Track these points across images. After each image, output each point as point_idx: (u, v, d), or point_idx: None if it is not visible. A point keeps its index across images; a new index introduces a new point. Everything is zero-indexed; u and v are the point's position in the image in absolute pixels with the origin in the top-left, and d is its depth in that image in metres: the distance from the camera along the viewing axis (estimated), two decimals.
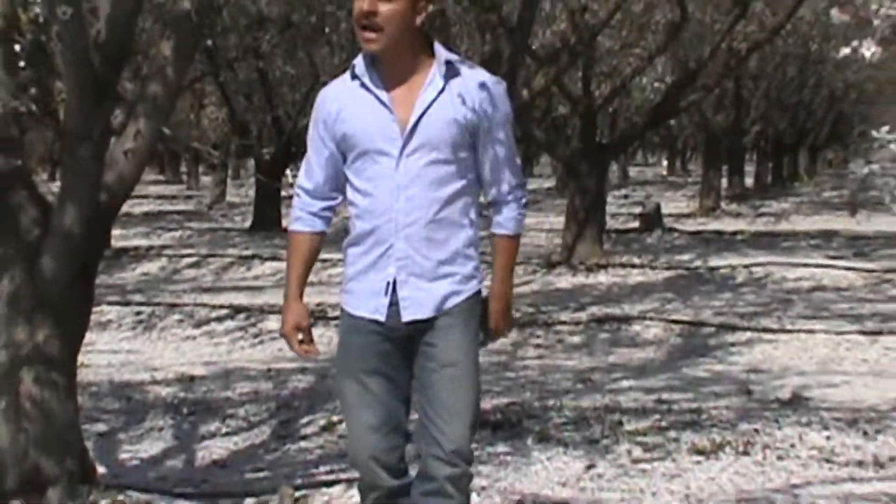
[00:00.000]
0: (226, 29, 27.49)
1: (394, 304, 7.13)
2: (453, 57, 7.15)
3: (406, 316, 7.12)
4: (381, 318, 7.14)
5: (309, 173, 7.31)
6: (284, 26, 29.09)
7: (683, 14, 27.39)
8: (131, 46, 10.21)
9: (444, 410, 7.11)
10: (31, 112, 10.07)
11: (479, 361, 7.35)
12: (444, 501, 7.15)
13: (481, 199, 7.31)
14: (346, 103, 7.14)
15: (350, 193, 7.23)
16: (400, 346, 7.23)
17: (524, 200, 7.34)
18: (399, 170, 7.02)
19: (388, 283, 7.12)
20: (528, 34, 22.21)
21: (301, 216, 7.35)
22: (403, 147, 7.00)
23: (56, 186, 10.29)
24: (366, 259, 7.19)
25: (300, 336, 7.30)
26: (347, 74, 7.22)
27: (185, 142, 48.42)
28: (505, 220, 7.23)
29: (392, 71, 7.09)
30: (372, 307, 7.17)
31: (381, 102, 7.05)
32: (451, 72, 7.04)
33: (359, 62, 7.16)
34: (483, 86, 7.08)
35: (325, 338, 18.01)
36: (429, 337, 7.17)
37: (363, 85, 7.10)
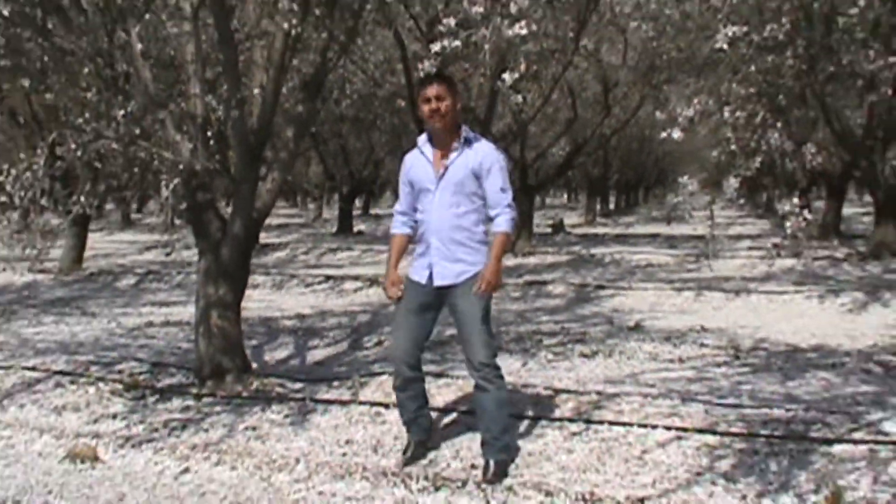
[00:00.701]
0: (322, 122, 27.43)
1: (431, 276, 7.50)
2: (470, 134, 7.56)
3: (437, 282, 7.47)
4: (423, 281, 7.52)
5: (400, 203, 7.81)
6: (355, 120, 29.06)
7: (575, 114, 27.46)
8: (270, 131, 10.24)
9: (467, 340, 7.46)
10: (216, 168, 10.11)
11: (490, 311, 7.50)
12: (484, 392, 7.50)
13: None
14: (413, 163, 7.64)
15: (419, 217, 7.65)
16: (430, 298, 7.54)
17: (513, 213, 7.47)
18: (435, 199, 7.43)
19: (429, 263, 7.50)
20: (490, 123, 22.20)
21: (397, 224, 7.84)
22: (437, 187, 7.42)
23: (230, 209, 10.31)
24: (419, 249, 7.60)
25: (395, 289, 7.65)
26: (416, 147, 7.69)
27: (299, 184, 48.21)
28: (500, 223, 7.41)
29: (437, 143, 7.54)
30: (420, 275, 7.55)
31: (429, 161, 7.51)
32: (467, 143, 7.48)
33: (421, 140, 7.68)
34: (484, 149, 7.49)
35: (377, 296, 18.07)
36: (452, 298, 7.48)
37: (422, 152, 7.58)
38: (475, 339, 7.41)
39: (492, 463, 7.47)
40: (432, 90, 7.44)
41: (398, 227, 7.83)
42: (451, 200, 7.43)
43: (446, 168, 7.45)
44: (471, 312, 7.41)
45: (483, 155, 7.46)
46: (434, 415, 8.83)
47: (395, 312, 7.92)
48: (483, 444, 7.59)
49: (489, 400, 7.47)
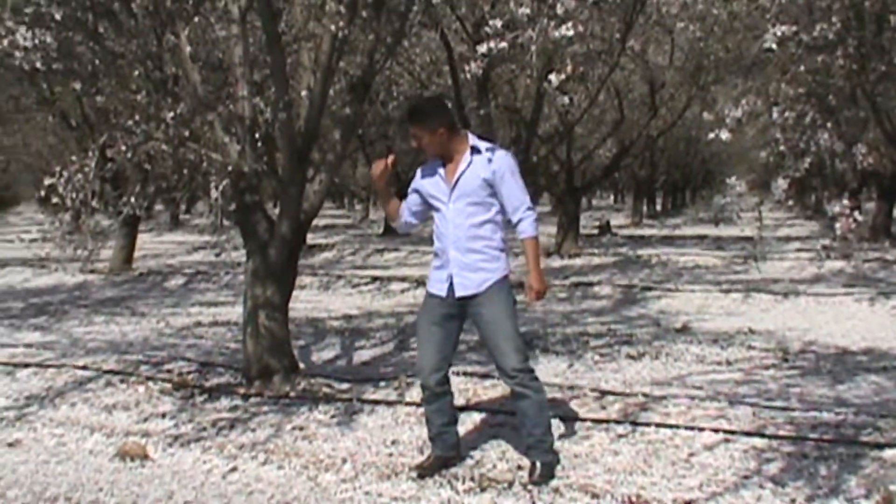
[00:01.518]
0: (369, 124, 27.47)
1: (451, 287, 7.44)
2: (478, 143, 7.52)
3: (458, 293, 7.41)
4: (443, 294, 7.46)
5: (406, 200, 7.87)
6: (401, 122, 29.01)
7: (622, 115, 27.38)
8: (317, 133, 10.26)
9: (496, 348, 7.38)
10: (264, 170, 10.14)
11: (517, 314, 7.46)
12: (522, 399, 7.45)
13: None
14: (425, 176, 7.66)
15: (433, 226, 7.63)
16: (453, 310, 7.48)
17: (535, 215, 7.44)
18: (448, 211, 7.43)
19: (449, 275, 7.44)
20: (536, 126, 22.18)
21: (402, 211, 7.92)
22: (449, 198, 7.42)
23: (277, 210, 10.35)
24: (437, 261, 7.59)
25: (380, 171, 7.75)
26: (429, 161, 7.70)
27: (346, 186, 48.29)
28: (525, 229, 7.37)
29: (448, 157, 7.52)
30: (439, 288, 7.52)
31: (439, 175, 7.51)
32: (474, 152, 7.44)
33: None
34: (494, 157, 7.43)
35: (422, 298, 18.06)
36: (475, 308, 7.41)
37: (433, 166, 7.59)
38: (505, 345, 7.35)
39: (538, 464, 7.44)
40: (410, 129, 7.61)
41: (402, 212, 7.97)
42: (465, 211, 7.39)
43: (457, 180, 7.42)
44: (497, 319, 7.36)
45: (494, 162, 7.40)
46: (480, 415, 8.85)
47: (416, 326, 7.91)
48: (528, 447, 7.55)
49: (529, 405, 7.43)
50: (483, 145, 7.51)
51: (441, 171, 7.52)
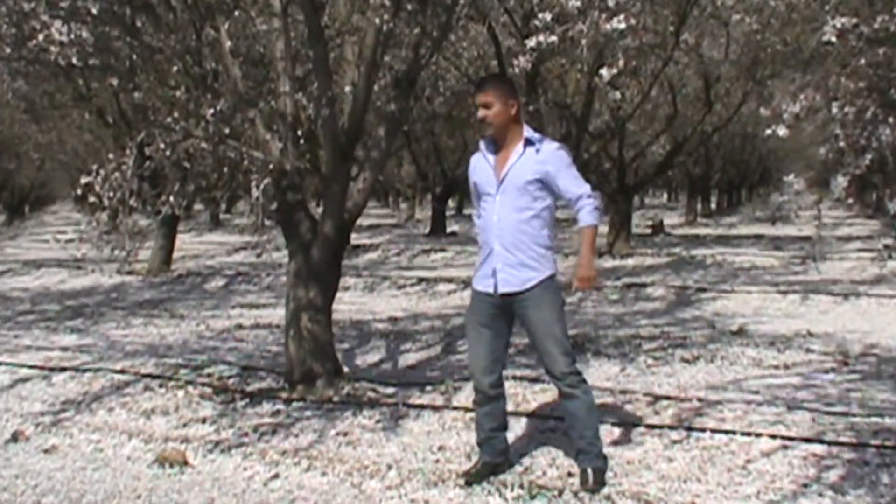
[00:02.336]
0: (414, 119, 27.49)
1: (496, 284, 7.42)
2: (533, 135, 7.51)
3: (501, 290, 7.40)
4: (491, 291, 7.44)
5: (474, 203, 7.80)
6: (448, 118, 29.08)
7: (675, 110, 27.31)
8: (361, 130, 10.28)
9: (544, 350, 7.40)
10: (306, 168, 10.18)
11: (564, 316, 7.45)
12: (571, 400, 7.45)
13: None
14: (476, 166, 7.64)
15: (476, 218, 7.72)
16: (500, 308, 7.46)
17: (595, 203, 7.42)
18: (496, 203, 7.41)
19: (493, 270, 7.41)
20: (587, 122, 22.14)
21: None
22: (497, 189, 7.40)
23: (320, 209, 10.37)
24: (481, 258, 7.58)
25: None
26: (479, 150, 7.68)
27: (391, 184, 48.46)
28: (585, 217, 7.37)
29: (500, 145, 7.51)
30: (485, 284, 7.50)
31: (489, 164, 7.50)
32: (528, 143, 7.43)
33: (482, 142, 7.69)
34: (547, 151, 7.44)
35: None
36: (521, 308, 7.41)
37: (484, 155, 7.56)
38: (553, 348, 7.35)
39: (589, 471, 7.41)
40: (480, 97, 7.51)
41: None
42: (513, 204, 7.39)
43: (508, 171, 7.41)
44: (544, 321, 7.36)
45: (547, 158, 7.41)
46: (530, 421, 8.85)
47: (465, 327, 7.91)
48: (578, 452, 7.52)
49: (578, 406, 7.42)
50: (537, 137, 7.51)
51: (491, 159, 7.53)
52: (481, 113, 7.48)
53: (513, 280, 7.38)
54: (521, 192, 7.37)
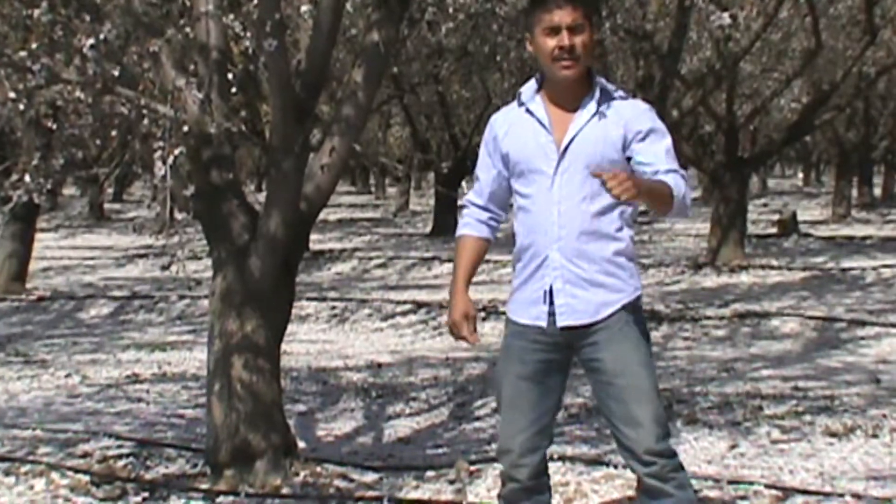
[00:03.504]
0: (409, 58, 27.57)
1: (552, 313, 7.03)
2: (609, 86, 7.15)
3: (561, 321, 6.99)
4: (543, 325, 7.04)
5: (478, 190, 7.36)
6: (461, 55, 29.09)
7: (818, 42, 27.24)
8: (327, 74, 10.32)
9: (624, 417, 7.00)
10: (241, 131, 10.22)
11: (654, 363, 7.34)
12: (658, 498, 7.08)
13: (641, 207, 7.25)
14: (512, 127, 7.17)
15: (515, 210, 7.23)
16: (557, 353, 7.14)
17: (685, 178, 6.98)
18: (554, 186, 6.97)
19: (545, 292, 7.02)
20: (677, 60, 22.21)
21: (469, 222, 7.35)
22: (558, 165, 6.97)
23: (262, 197, 10.42)
24: (525, 271, 7.13)
25: (466, 324, 7.18)
26: (515, 102, 7.24)
27: (373, 157, 48.63)
28: (667, 180, 6.82)
29: (556, 97, 7.09)
30: (533, 314, 7.08)
31: (542, 125, 7.04)
32: (604, 98, 7.03)
33: (526, 90, 7.22)
34: (631, 108, 7.10)
35: (497, 330, 18.10)
36: (593, 352, 7.03)
37: (528, 110, 7.12)
38: (639, 411, 7.02)
39: None
40: (563, 15, 6.98)
41: (471, 227, 7.45)
42: (582, 190, 6.98)
43: (573, 137, 7.06)
44: (627, 369, 7.03)
45: (631, 116, 7.06)
46: None
47: (495, 380, 7.86)
48: None
49: None
50: (613, 89, 7.22)
51: (542, 115, 7.15)
52: (566, 41, 6.97)
53: (581, 307, 7.03)
54: (596, 169, 6.89)
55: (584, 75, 7.05)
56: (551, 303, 6.98)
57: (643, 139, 6.95)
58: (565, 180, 6.94)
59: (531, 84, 7.20)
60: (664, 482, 7.01)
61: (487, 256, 7.63)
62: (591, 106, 6.99)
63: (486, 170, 7.29)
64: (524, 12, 7.54)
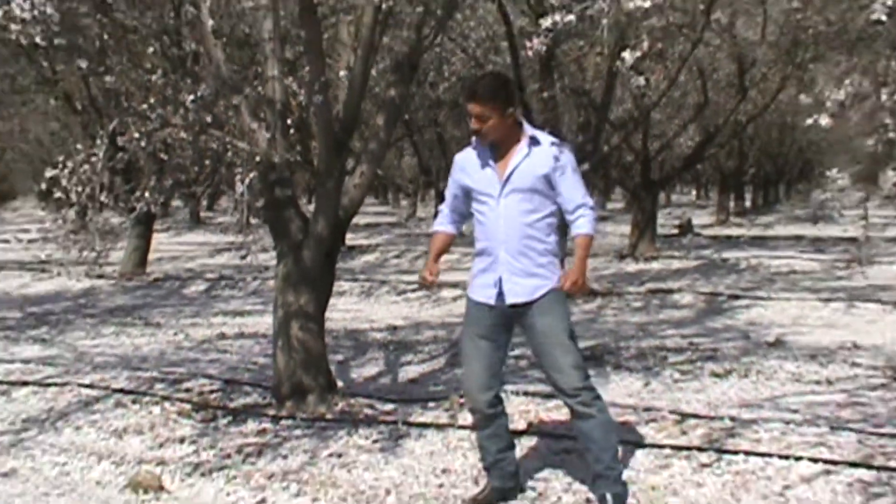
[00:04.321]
0: (416, 108, 27.51)
1: (500, 294, 7.41)
2: (535, 132, 7.56)
3: (509, 300, 7.39)
4: (492, 302, 7.45)
5: (447, 203, 7.82)
6: (453, 106, 29.01)
7: (706, 98, 27.28)
8: (358, 120, 10.28)
9: (553, 366, 7.38)
10: (296, 161, 10.19)
11: (573, 326, 7.45)
12: (584, 420, 7.40)
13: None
14: (468, 164, 7.61)
15: (475, 222, 7.63)
16: (501, 320, 7.50)
17: (593, 212, 7.52)
18: (499, 206, 7.41)
19: (496, 280, 7.41)
20: (607, 110, 22.13)
21: (441, 220, 7.87)
22: (501, 191, 7.39)
23: (311, 207, 10.38)
24: (482, 265, 7.56)
25: (431, 274, 7.63)
26: (470, 147, 7.65)
27: (390, 178, 48.48)
28: (581, 225, 7.44)
29: (496, 145, 7.46)
30: (486, 295, 7.48)
31: (489, 163, 7.47)
32: (533, 142, 7.43)
33: (476, 141, 7.59)
34: (553, 149, 7.45)
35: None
36: (528, 318, 7.42)
37: (480, 153, 7.52)
38: (564, 360, 7.33)
39: (608, 497, 7.42)
40: (472, 107, 7.43)
41: (442, 224, 7.88)
42: (519, 208, 7.38)
43: (511, 171, 7.40)
44: (554, 332, 7.37)
45: (552, 155, 7.42)
46: (543, 441, 8.84)
47: (461, 341, 7.93)
48: (595, 476, 7.51)
49: (594, 426, 7.39)
50: (542, 136, 7.57)
51: (490, 160, 7.49)
52: (475, 125, 7.43)
53: (521, 290, 7.39)
54: (528, 194, 7.39)
55: (516, 128, 7.51)
56: (500, 287, 7.38)
57: (563, 174, 7.39)
58: (507, 202, 7.42)
59: None
60: (588, 408, 7.34)
61: (463, 251, 7.79)
62: (524, 149, 7.44)
63: (452, 191, 7.79)
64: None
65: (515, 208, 7.38)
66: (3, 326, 17.33)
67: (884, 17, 8.45)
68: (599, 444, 7.41)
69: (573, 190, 7.42)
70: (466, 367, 7.68)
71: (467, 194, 7.62)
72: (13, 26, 9.08)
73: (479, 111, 7.35)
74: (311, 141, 10.45)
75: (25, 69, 22.58)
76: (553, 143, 7.51)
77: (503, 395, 7.83)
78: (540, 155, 7.42)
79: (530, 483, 7.99)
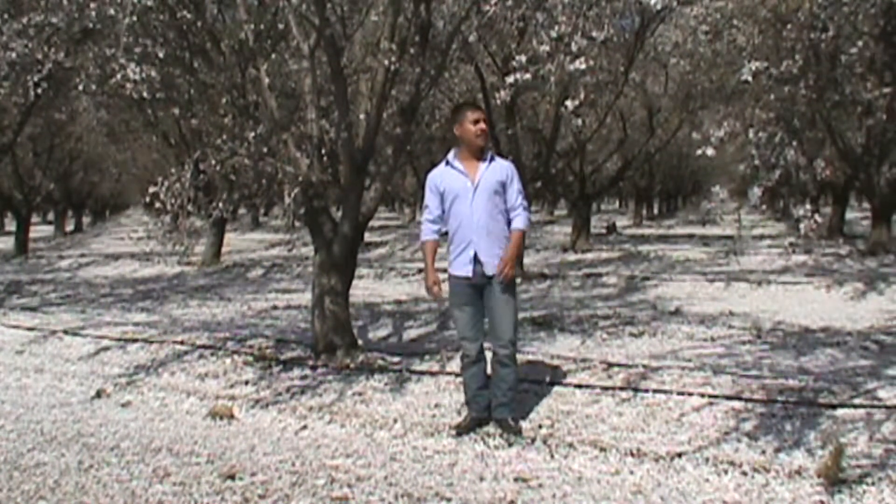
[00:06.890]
0: (416, 140, 27.43)
1: (475, 269, 7.54)
2: (495, 155, 7.78)
3: (488, 271, 7.50)
4: (470, 275, 7.57)
5: (430, 211, 7.78)
6: (443, 140, 28.86)
7: (625, 135, 27.28)
8: (373, 150, 10.27)
9: (501, 323, 7.56)
10: (329, 180, 10.17)
11: (519, 297, 7.50)
12: (508, 367, 7.61)
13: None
14: (444, 176, 7.69)
15: (449, 221, 7.69)
16: (477, 290, 7.61)
17: (528, 214, 7.69)
18: (472, 205, 7.52)
19: (471, 258, 7.53)
20: (554, 143, 22.10)
21: (427, 232, 7.86)
22: (473, 194, 7.51)
23: (339, 214, 10.36)
24: (458, 248, 7.64)
25: (436, 287, 7.72)
26: (443, 164, 7.76)
27: (397, 193, 48.23)
28: (519, 222, 7.60)
29: (466, 158, 7.62)
30: (466, 270, 7.61)
31: (462, 172, 7.58)
32: (491, 160, 7.63)
33: (450, 156, 7.70)
34: (504, 164, 7.69)
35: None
36: (491, 287, 7.55)
37: (453, 167, 7.64)
38: (508, 319, 7.53)
39: (510, 417, 7.68)
40: (481, 115, 7.64)
41: (430, 234, 7.85)
42: (486, 204, 7.49)
43: (480, 179, 7.53)
44: (508, 298, 7.54)
45: (505, 169, 7.63)
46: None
47: (449, 311, 8.02)
48: (500, 405, 7.68)
49: (509, 372, 7.62)
50: (499, 158, 7.76)
51: (461, 167, 7.60)
52: (483, 126, 7.57)
53: (492, 265, 7.49)
54: (491, 194, 7.50)
55: (481, 150, 7.62)
56: (476, 263, 7.50)
57: (511, 183, 7.57)
58: (477, 202, 7.50)
59: (452, 153, 7.71)
60: (511, 359, 7.58)
61: (443, 251, 7.75)
62: (486, 164, 7.57)
63: (432, 202, 7.74)
64: (456, 109, 7.76)
65: (484, 204, 7.48)
66: (120, 299, 17.32)
67: (750, 79, 8.49)
68: (510, 385, 7.63)
69: (515, 195, 7.58)
70: (460, 326, 7.73)
71: (443, 198, 7.66)
72: (128, 85, 9.10)
73: (484, 118, 7.64)
74: (339, 165, 10.40)
75: (136, 116, 22.83)
76: (502, 161, 7.75)
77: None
78: (497, 168, 7.59)
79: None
